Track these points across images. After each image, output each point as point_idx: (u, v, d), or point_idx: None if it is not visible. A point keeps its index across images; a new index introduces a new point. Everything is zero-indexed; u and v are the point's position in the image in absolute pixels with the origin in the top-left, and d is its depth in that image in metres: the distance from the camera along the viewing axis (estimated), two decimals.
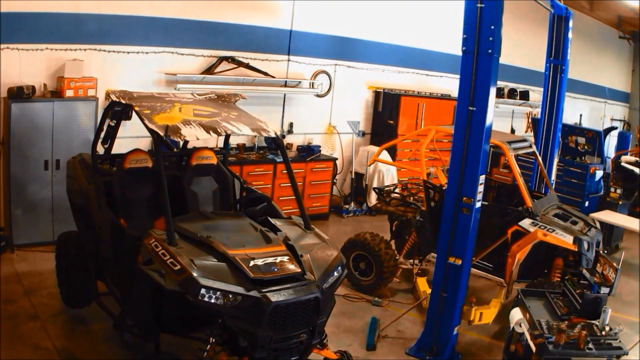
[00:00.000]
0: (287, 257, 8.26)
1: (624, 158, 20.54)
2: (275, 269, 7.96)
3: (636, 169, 19.84)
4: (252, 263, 7.93)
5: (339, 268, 8.72)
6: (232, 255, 8.00)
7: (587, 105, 30.86)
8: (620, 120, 33.22)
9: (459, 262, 10.09)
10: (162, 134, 8.52)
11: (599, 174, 19.36)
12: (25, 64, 13.25)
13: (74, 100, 13.55)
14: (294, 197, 9.88)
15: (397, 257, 13.25)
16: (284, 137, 18.17)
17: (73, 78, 13.47)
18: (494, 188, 14.54)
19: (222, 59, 16.51)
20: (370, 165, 18.47)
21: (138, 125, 9.85)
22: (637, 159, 20.64)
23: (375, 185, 18.50)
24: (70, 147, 13.07)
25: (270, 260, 8.10)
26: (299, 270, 8.14)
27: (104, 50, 14.46)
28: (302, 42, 18.32)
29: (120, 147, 11.36)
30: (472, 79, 9.54)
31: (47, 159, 13.33)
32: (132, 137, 13.68)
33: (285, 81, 18.14)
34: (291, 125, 18.64)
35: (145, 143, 14.02)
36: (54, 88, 13.56)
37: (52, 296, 11.25)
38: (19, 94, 12.71)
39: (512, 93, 25.40)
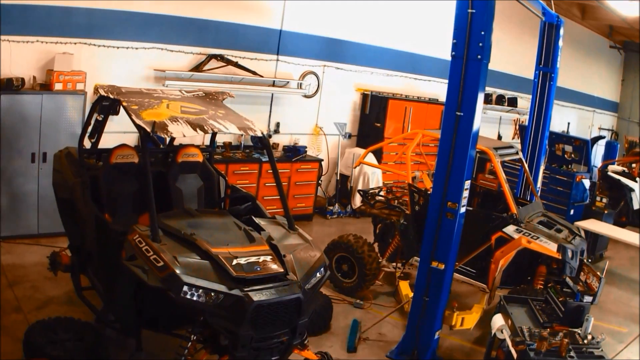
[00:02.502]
0: (270, 257, 8.25)
1: (610, 167, 20.64)
2: (258, 269, 7.95)
3: (623, 179, 19.93)
4: (235, 262, 7.92)
5: (322, 269, 8.72)
6: (215, 253, 7.99)
7: (575, 114, 30.98)
8: (609, 130, 33.41)
9: (442, 266, 10.10)
10: (149, 130, 8.50)
11: (585, 182, 19.41)
12: (15, 56, 13.21)
13: (63, 94, 13.52)
14: (278, 197, 9.86)
15: (380, 260, 13.28)
16: (270, 136, 18.18)
17: (62, 71, 13.46)
18: (479, 194, 14.56)
19: (211, 57, 16.52)
20: (355, 168, 18.50)
21: (125, 121, 9.83)
22: (624, 168, 20.74)
23: (360, 187, 18.56)
24: (57, 140, 13.03)
25: (253, 259, 8.09)
26: (282, 270, 8.13)
27: (94, 45, 14.43)
28: (291, 42, 18.34)
29: (107, 141, 11.34)
30: (460, 84, 9.56)
31: (34, 151, 13.31)
32: (119, 132, 13.63)
33: (274, 81, 18.15)
34: (278, 125, 18.66)
35: (132, 138, 13.98)
36: (43, 81, 13.53)
37: (36, 289, 11.25)
38: (8, 85, 12.67)
39: (500, 99, 25.48)
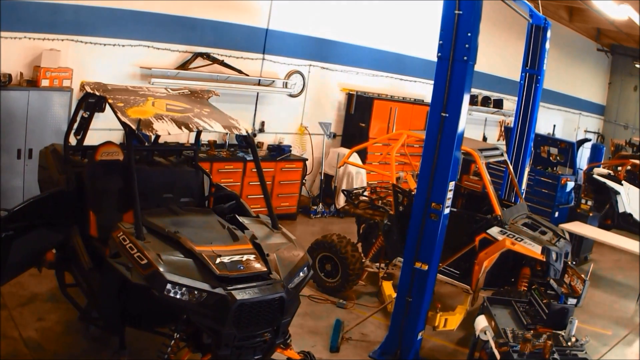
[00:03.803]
0: (254, 256, 8.26)
1: (596, 170, 20.72)
2: (241, 267, 7.96)
3: (608, 182, 20.01)
4: (218, 260, 7.93)
5: (305, 269, 8.74)
6: (199, 251, 7.99)
7: (561, 116, 31.05)
8: (594, 133, 33.50)
9: (425, 267, 10.11)
10: (134, 127, 8.50)
11: (570, 185, 19.47)
12: (3, 52, 13.13)
13: (49, 90, 13.50)
14: (262, 196, 9.88)
15: (363, 260, 13.27)
16: (255, 135, 18.13)
17: (49, 68, 13.44)
18: (464, 195, 14.56)
19: (197, 55, 16.51)
20: (340, 167, 18.50)
21: (111, 118, 9.79)
22: (610, 171, 20.82)
23: (344, 187, 18.53)
24: (43, 136, 13.02)
25: (236, 258, 8.10)
26: (265, 269, 8.15)
27: (81, 42, 14.41)
28: (277, 41, 18.36)
29: (92, 139, 11.31)
30: (446, 85, 9.57)
31: (20, 147, 13.27)
32: (104, 129, 13.60)
33: (259, 80, 18.17)
34: (263, 124, 18.67)
35: (117, 136, 13.95)
36: (30, 77, 13.51)
37: (20, 285, 11.19)
38: None
39: (485, 101, 25.52)
